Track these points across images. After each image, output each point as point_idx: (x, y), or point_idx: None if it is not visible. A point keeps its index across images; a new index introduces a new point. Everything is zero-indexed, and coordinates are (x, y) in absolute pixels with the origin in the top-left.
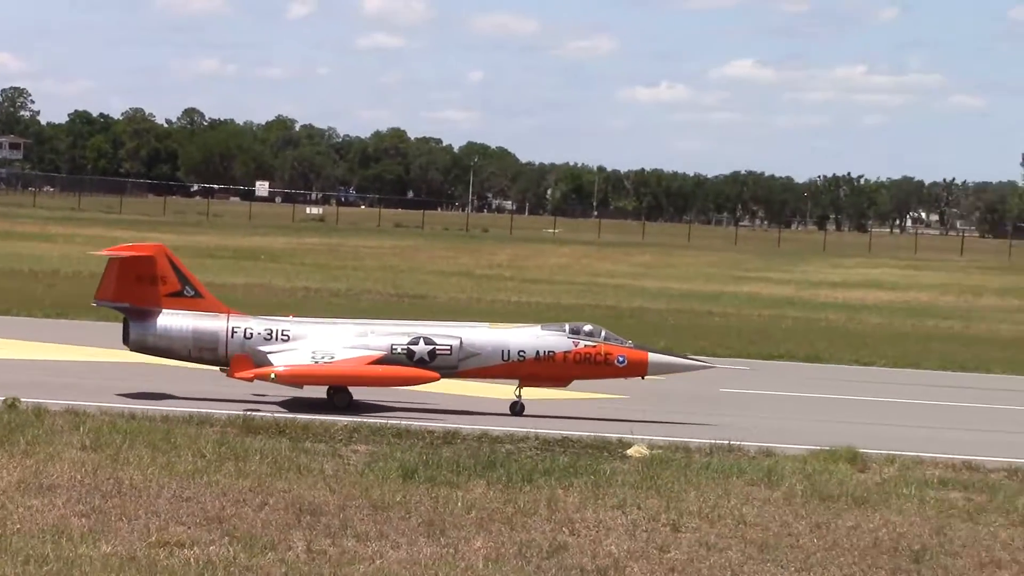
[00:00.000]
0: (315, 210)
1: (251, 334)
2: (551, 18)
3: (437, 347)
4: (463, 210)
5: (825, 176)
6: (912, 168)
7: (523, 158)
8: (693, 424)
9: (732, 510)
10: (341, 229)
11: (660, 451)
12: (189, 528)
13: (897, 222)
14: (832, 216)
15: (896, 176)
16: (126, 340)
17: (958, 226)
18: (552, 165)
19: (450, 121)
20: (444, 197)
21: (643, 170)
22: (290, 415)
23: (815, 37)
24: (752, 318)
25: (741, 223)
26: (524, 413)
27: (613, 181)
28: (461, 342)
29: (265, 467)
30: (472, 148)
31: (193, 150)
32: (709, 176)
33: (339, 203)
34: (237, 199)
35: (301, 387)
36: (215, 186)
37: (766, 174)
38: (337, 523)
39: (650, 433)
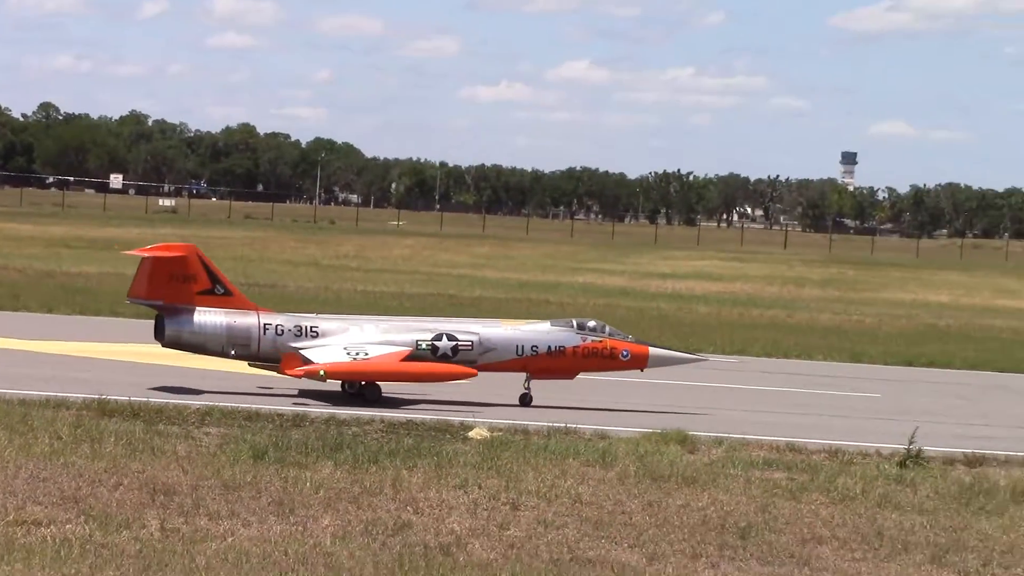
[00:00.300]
0: (168, 202)
1: (282, 331)
2: (396, 20)
3: (459, 343)
4: (311, 203)
5: (656, 172)
6: (738, 165)
7: (368, 153)
8: (534, 407)
9: (568, 489)
10: (193, 220)
11: (500, 434)
12: (46, 507)
13: (724, 217)
14: (663, 210)
15: (723, 173)
16: (159, 336)
17: (781, 221)
18: (396, 160)
19: (298, 118)
20: (292, 190)
21: (483, 165)
22: (143, 399)
23: (646, 40)
24: (587, 307)
25: (577, 217)
26: (531, 404)
27: (455, 176)
28: (480, 338)
29: (120, 449)
30: (319, 144)
31: (49, 143)
32: (546, 172)
33: (191, 195)
34: (92, 191)
35: (345, 382)
36: (70, 178)
37: (600, 170)
38: (190, 502)
39: (492, 416)
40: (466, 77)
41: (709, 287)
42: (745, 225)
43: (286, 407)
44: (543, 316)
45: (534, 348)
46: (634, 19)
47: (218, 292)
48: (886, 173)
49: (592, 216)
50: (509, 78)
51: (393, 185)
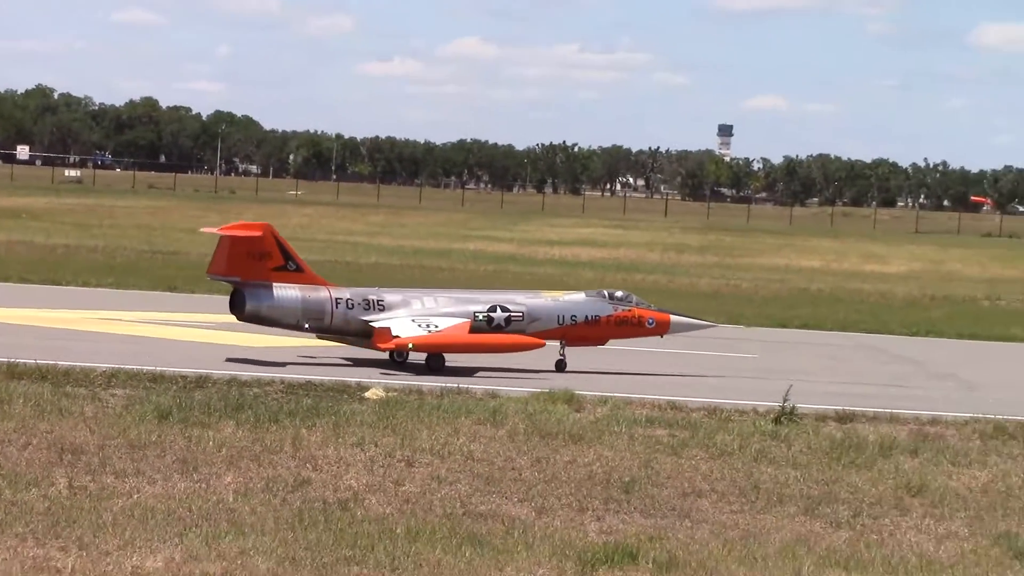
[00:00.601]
0: (73, 173)
1: (352, 304)
2: None
3: (512, 314)
4: (212, 174)
5: (543, 144)
6: (621, 137)
7: (267, 126)
8: (426, 372)
9: (461, 447)
10: (98, 190)
11: (395, 393)
12: None
13: (608, 186)
14: (549, 180)
15: (607, 144)
16: (236, 309)
17: (662, 190)
18: (294, 132)
19: (200, 91)
20: (194, 162)
21: (378, 138)
22: (52, 362)
23: (534, 18)
24: (478, 273)
25: (467, 186)
26: (566, 369)
27: (350, 147)
28: (528, 309)
29: (28, 410)
30: (220, 117)
31: None
32: (438, 143)
33: (96, 166)
34: None
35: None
36: None
37: (490, 142)
38: (97, 461)
39: (389, 377)
40: (361, 53)
41: (594, 253)
42: (627, 194)
43: (189, 369)
44: (436, 283)
45: (573, 318)
46: None
47: (290, 268)
48: (761, 144)
49: (482, 186)
50: (402, 54)
51: (291, 156)
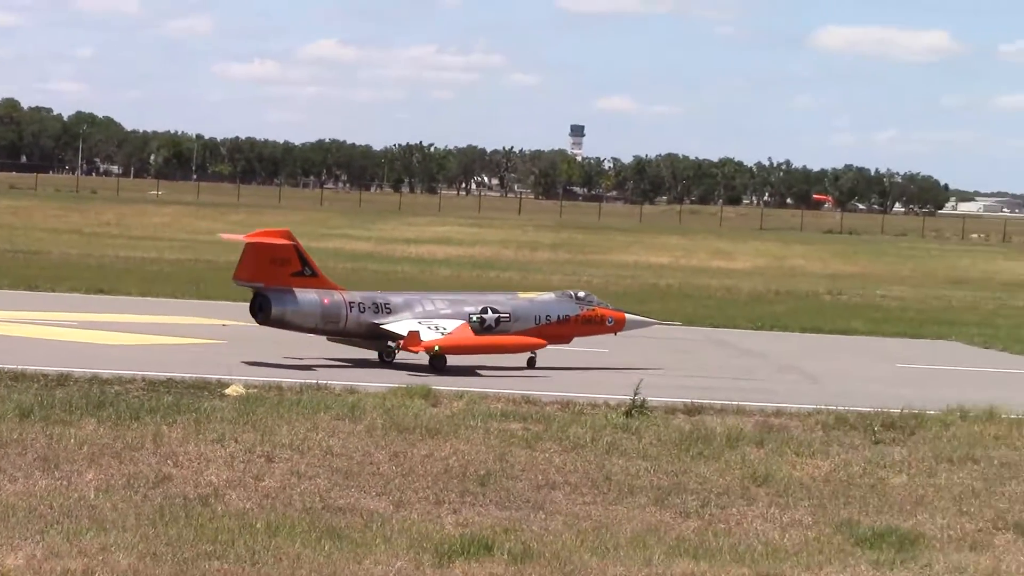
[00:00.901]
0: None
1: (364, 308)
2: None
3: (500, 315)
4: (73, 174)
5: (400, 144)
6: (476, 137)
7: (128, 127)
8: (286, 367)
9: (320, 442)
10: None
11: (255, 390)
12: None
13: (463, 185)
14: (406, 180)
15: (462, 144)
16: (261, 314)
17: (516, 189)
18: (155, 133)
19: (61, 92)
20: (55, 162)
21: (238, 138)
22: None
23: (392, 20)
24: (336, 271)
25: (326, 186)
26: (536, 366)
27: (210, 148)
28: (512, 309)
29: None
30: (81, 117)
31: None
32: (297, 144)
33: None
34: None
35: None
36: None
37: (348, 142)
38: None
39: (247, 374)
40: (220, 54)
41: (450, 251)
42: (482, 193)
43: (51, 368)
44: None
45: (548, 317)
46: None
47: (307, 274)
48: (611, 144)
49: (341, 185)
50: (261, 55)
51: (152, 157)
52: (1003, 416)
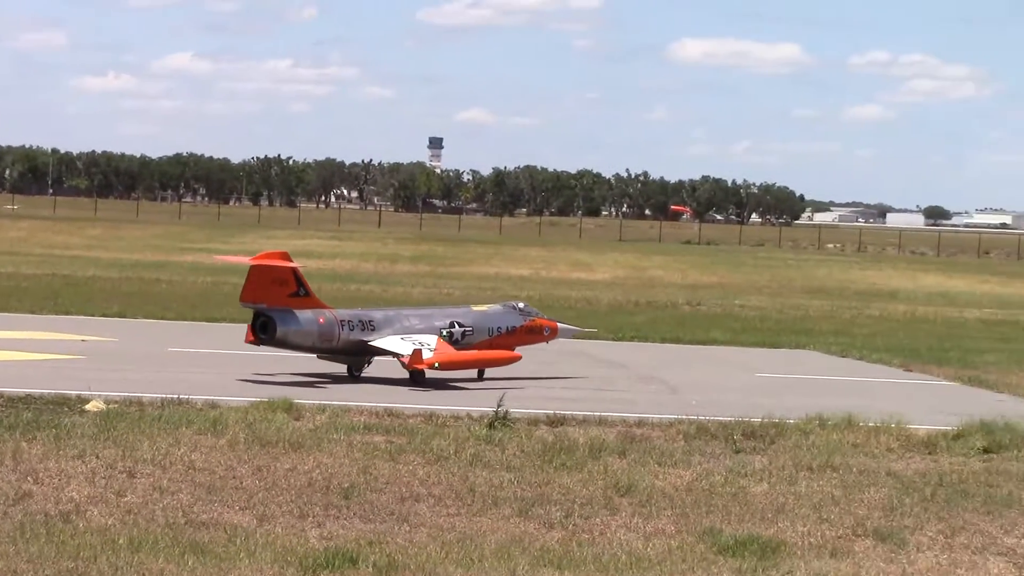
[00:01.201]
0: None
1: (352, 326)
2: (4, 11)
3: (464, 329)
4: None
5: (258, 157)
6: (334, 150)
7: None
8: (145, 380)
9: (182, 457)
10: None
11: (116, 405)
12: None
13: (323, 198)
14: (265, 193)
15: (320, 157)
16: (262, 334)
17: (375, 201)
18: (9, 147)
19: None
20: None
21: (94, 152)
22: None
23: (247, 33)
24: (196, 284)
25: (184, 200)
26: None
27: (66, 162)
28: (472, 322)
29: None
30: None
31: None
32: (154, 157)
33: None
34: None
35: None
36: None
37: (206, 156)
38: None
39: (107, 389)
40: (75, 68)
41: (310, 264)
42: (342, 206)
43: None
44: (156, 294)
45: (498, 329)
46: (235, 13)
47: (301, 294)
48: (470, 156)
49: (199, 199)
50: (116, 69)
51: (7, 171)
52: (861, 424)
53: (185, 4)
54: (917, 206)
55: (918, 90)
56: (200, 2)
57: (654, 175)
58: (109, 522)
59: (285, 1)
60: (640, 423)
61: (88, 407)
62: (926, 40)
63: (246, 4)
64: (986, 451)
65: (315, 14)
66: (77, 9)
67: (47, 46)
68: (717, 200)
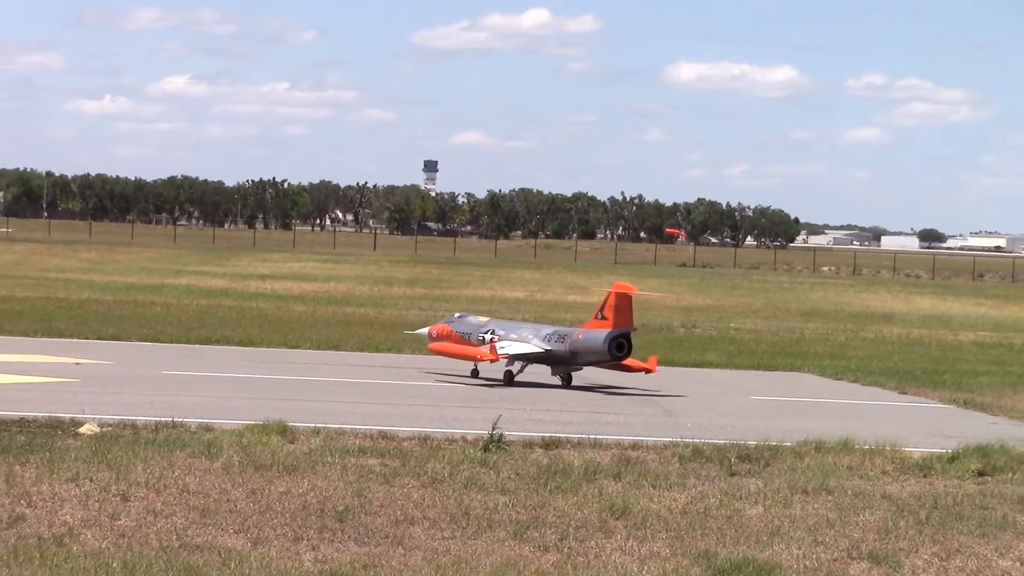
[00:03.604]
0: None
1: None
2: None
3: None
4: None
5: (253, 180)
6: (330, 173)
7: None
8: (139, 403)
9: (176, 480)
10: None
11: (110, 429)
12: None
13: (318, 221)
14: (260, 216)
15: (316, 180)
16: (619, 353)
17: (371, 224)
18: (4, 170)
19: None
20: None
21: (88, 175)
22: None
23: (244, 56)
24: (191, 307)
25: (179, 222)
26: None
27: (61, 185)
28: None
29: None
30: None
31: None
32: (149, 180)
33: None
34: None
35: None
36: None
37: (201, 178)
38: None
39: (101, 412)
40: (71, 91)
41: (305, 287)
42: (337, 229)
43: None
44: (150, 317)
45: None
46: (231, 36)
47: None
48: (465, 179)
49: (194, 222)
50: (112, 92)
51: (1, 194)
52: (856, 447)
53: (182, 27)
54: (912, 229)
55: (913, 113)
56: (198, 25)
57: (649, 198)
58: (103, 545)
59: (284, 24)
60: (635, 446)
61: (82, 430)
62: (922, 64)
63: (243, 27)
64: (981, 474)
65: (314, 37)
66: (74, 32)
67: (43, 68)
68: (712, 223)
